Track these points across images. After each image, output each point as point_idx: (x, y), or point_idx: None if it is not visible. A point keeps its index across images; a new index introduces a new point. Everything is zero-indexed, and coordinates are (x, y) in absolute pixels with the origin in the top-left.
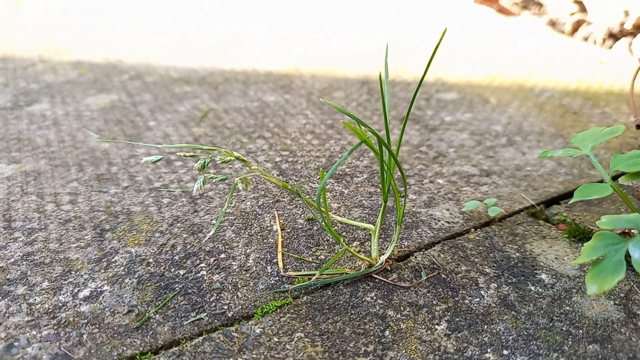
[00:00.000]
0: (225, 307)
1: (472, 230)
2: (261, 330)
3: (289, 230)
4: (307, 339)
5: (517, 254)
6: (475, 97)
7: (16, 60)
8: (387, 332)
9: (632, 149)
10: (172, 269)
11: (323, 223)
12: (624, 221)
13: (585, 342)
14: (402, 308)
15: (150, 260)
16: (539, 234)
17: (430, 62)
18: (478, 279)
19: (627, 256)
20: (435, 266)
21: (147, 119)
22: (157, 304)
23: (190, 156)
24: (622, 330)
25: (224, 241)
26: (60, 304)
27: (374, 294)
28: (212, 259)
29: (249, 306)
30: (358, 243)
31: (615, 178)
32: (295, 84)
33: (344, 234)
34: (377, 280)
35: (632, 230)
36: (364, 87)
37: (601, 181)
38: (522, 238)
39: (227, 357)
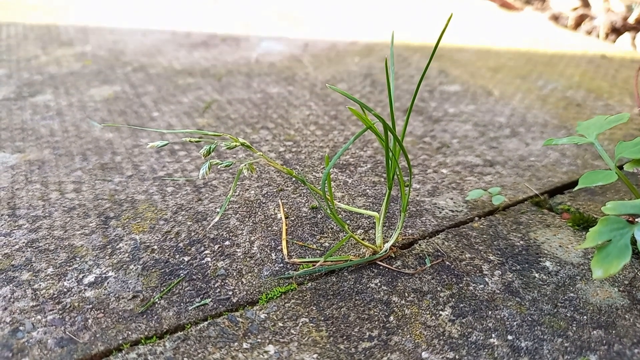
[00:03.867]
0: (230, 292)
1: (476, 218)
2: (266, 315)
3: (293, 219)
4: (311, 324)
5: (521, 242)
6: (478, 90)
7: (19, 52)
8: (391, 318)
9: None
10: (177, 256)
11: (328, 210)
12: (629, 207)
13: (590, 327)
14: (406, 294)
15: (155, 247)
16: (543, 223)
17: (435, 49)
18: (482, 266)
19: (633, 242)
20: (439, 254)
21: (150, 109)
22: (161, 289)
23: (196, 142)
24: (627, 316)
25: (228, 229)
26: (65, 290)
27: (378, 281)
28: (216, 246)
29: (254, 292)
30: (362, 231)
31: (620, 168)
32: (298, 75)
33: (348, 222)
34: (381, 267)
35: (637, 219)
36: (367, 79)
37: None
38: (526, 226)
39: (232, 341)
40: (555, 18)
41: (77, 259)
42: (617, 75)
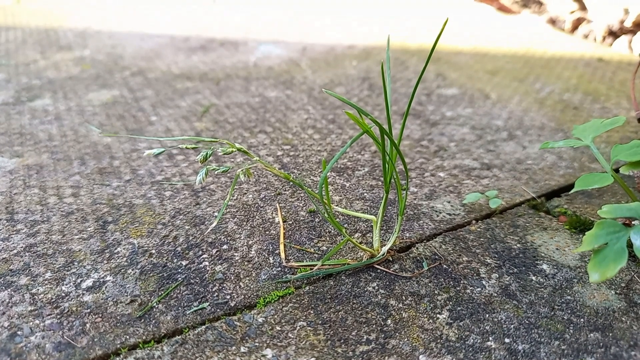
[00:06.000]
0: (228, 296)
1: (474, 222)
2: (264, 319)
3: (290, 222)
4: (309, 328)
5: (518, 245)
6: (476, 93)
7: (18, 57)
8: (389, 321)
9: None
10: (175, 260)
11: (325, 213)
12: (625, 210)
13: (587, 330)
14: (404, 297)
15: (153, 251)
16: (540, 226)
17: (432, 53)
18: (479, 269)
19: (629, 245)
20: (436, 257)
21: (149, 114)
22: (159, 293)
23: (193, 148)
24: (623, 319)
25: (226, 233)
26: (63, 294)
27: (375, 284)
28: (214, 250)
29: (252, 296)
30: (360, 234)
31: (616, 171)
32: (296, 79)
33: (345, 225)
34: (378, 270)
35: (633, 222)
36: (365, 82)
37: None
38: (523, 229)
39: (230, 345)
40: (553, 21)
41: (75, 263)
42: (614, 78)
